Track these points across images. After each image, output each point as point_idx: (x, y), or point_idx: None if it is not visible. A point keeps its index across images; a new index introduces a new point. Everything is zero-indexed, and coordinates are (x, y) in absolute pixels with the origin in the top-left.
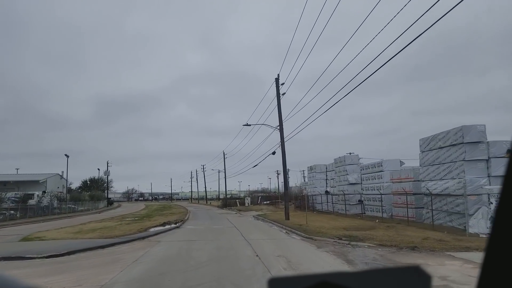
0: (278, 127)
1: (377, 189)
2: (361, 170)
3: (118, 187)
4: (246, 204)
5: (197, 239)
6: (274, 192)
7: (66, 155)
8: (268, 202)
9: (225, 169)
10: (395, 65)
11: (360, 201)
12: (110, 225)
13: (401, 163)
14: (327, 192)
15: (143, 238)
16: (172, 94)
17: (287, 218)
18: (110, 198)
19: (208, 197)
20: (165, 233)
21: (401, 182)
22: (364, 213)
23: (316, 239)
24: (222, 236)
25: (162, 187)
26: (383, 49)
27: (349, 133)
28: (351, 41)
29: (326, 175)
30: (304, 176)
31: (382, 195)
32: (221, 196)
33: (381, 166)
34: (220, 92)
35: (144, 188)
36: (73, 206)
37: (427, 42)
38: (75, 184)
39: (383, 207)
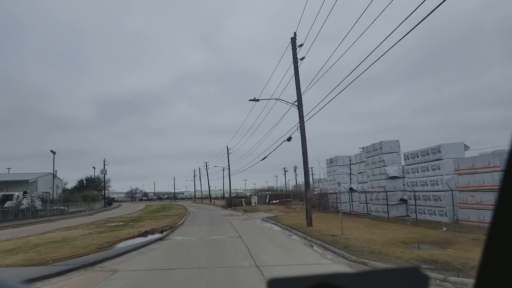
0: (296, 103)
1: (431, 184)
2: (405, 159)
3: (122, 186)
4: (253, 204)
5: (177, 266)
6: (282, 190)
7: (52, 151)
8: (277, 201)
9: (229, 166)
10: (398, 60)
11: (403, 200)
12: (72, 235)
13: (466, 147)
14: (351, 190)
15: (94, 263)
16: (173, 93)
17: (310, 223)
18: (114, 198)
19: (213, 196)
20: (138, 250)
21: (475, 173)
22: (409, 216)
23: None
24: (219, 256)
25: (166, 187)
26: (381, 41)
27: (352, 131)
28: (360, 36)
29: (350, 169)
30: (312, 174)
31: (444, 192)
32: (226, 195)
33: (439, 152)
34: (221, 90)
35: (149, 188)
36: (62, 207)
37: (428, 36)
38: (71, 184)
39: (443, 209)
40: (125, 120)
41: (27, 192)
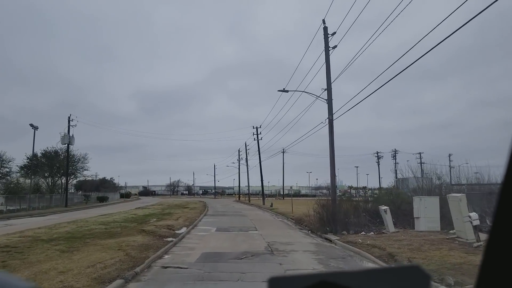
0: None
1: None
2: None
3: (163, 180)
4: (424, 227)
5: None
6: (364, 187)
7: None
8: None
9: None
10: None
11: None
12: None
13: None
14: None
15: None
16: (210, 87)
17: None
18: (155, 191)
19: (267, 192)
20: None
21: None
22: None
23: None
24: None
25: (212, 180)
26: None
27: (402, 127)
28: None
29: None
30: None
31: None
32: (285, 191)
33: None
34: (259, 82)
35: (198, 181)
36: None
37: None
38: (18, 161)
39: None
40: (165, 115)
41: None
